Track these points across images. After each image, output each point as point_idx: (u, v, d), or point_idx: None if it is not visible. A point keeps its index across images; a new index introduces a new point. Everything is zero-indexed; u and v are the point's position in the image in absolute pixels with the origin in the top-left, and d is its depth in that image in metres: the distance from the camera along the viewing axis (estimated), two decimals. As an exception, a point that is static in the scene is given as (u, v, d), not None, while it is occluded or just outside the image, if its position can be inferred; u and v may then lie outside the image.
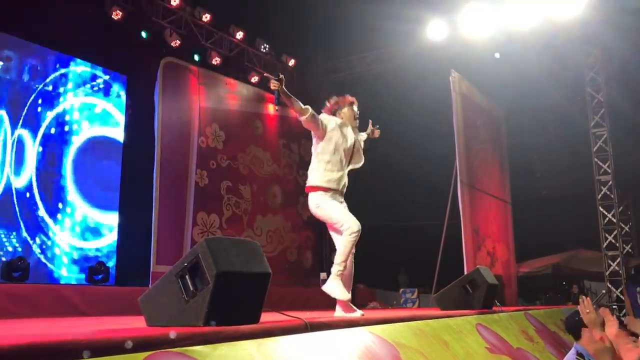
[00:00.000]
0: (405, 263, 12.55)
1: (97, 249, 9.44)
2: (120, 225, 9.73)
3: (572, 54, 11.40)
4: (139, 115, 9.95)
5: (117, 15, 9.32)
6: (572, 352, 4.33)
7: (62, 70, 9.28)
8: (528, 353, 5.19)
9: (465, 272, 8.27)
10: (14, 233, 8.37)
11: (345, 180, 4.52)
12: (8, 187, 8.39)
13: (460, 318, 4.77)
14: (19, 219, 8.49)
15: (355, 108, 4.64)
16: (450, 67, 9.94)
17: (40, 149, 8.90)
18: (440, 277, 10.12)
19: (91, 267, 8.65)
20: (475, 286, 5.65)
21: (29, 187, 8.67)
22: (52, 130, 9.06)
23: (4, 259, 7.95)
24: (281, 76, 4.21)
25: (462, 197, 9.21)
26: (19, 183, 8.53)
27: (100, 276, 8.46)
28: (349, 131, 4.54)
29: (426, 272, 10.98)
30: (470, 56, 11.10)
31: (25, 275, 7.52)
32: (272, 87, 4.22)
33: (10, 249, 8.26)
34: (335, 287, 4.30)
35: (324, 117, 4.49)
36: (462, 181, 9.27)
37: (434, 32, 11.41)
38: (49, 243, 8.79)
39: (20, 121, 8.62)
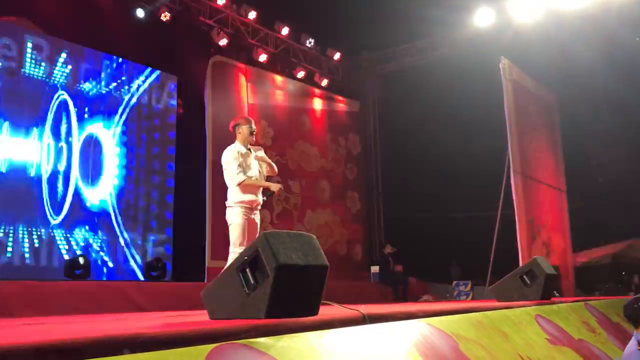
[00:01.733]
0: (458, 255, 12.37)
1: (154, 246, 9.68)
2: (175, 223, 9.96)
3: (626, 35, 10.96)
4: (190, 114, 10.14)
5: (165, 16, 9.52)
6: (632, 342, 4.19)
7: (115, 73, 9.54)
8: (590, 344, 5.05)
9: (521, 264, 8.11)
10: (75, 230, 8.68)
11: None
12: (74, 188, 8.71)
13: (519, 309, 4.68)
14: (83, 218, 8.81)
15: (252, 125, 5.11)
16: (499, 54, 9.73)
17: (107, 149, 9.21)
18: (494, 269, 9.95)
19: (148, 263, 8.89)
20: (534, 277, 5.54)
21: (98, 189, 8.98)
22: (109, 131, 9.34)
23: (66, 256, 8.27)
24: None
25: (515, 187, 9.02)
26: (87, 183, 8.84)
27: (157, 272, 8.68)
28: (251, 158, 5.06)
29: (479, 264, 10.80)
30: (519, 42, 10.83)
31: (86, 273, 7.79)
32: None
33: (71, 247, 8.57)
34: None
35: (233, 156, 4.97)
36: (515, 170, 9.07)
37: (481, 18, 11.18)
38: (108, 241, 9.07)
39: (79, 123, 8.93)
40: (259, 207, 5.06)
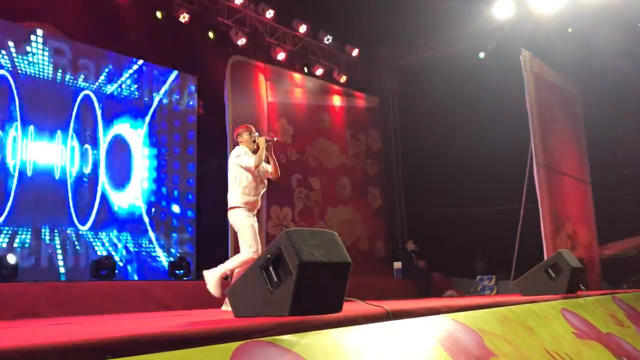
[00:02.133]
0: (481, 250, 12.26)
1: (177, 245, 9.78)
2: (197, 222, 10.05)
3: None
4: (210, 114, 10.22)
5: (184, 18, 9.58)
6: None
7: (135, 74, 9.64)
8: (619, 338, 4.98)
9: (545, 257, 8.02)
10: (100, 231, 8.80)
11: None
12: (99, 189, 8.84)
13: (545, 303, 4.63)
14: (108, 219, 8.93)
15: (253, 132, 5.31)
16: (520, 46, 9.61)
17: (131, 151, 9.32)
18: (519, 263, 9.84)
19: (173, 262, 8.97)
20: (559, 270, 5.47)
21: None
22: (132, 132, 9.45)
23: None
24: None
25: (538, 180, 8.91)
26: (112, 184, 8.96)
27: (181, 271, 8.76)
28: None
29: (503, 259, 10.70)
30: (540, 33, 10.68)
31: (112, 273, 7.90)
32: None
33: (97, 247, 8.70)
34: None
35: (243, 150, 5.18)
36: (538, 163, 8.96)
37: (501, 10, 11.05)
38: (133, 241, 9.19)
39: (102, 126, 9.05)
40: (257, 209, 5.23)
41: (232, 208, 5.11)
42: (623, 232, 13.01)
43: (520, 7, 10.89)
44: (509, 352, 3.48)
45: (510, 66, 9.75)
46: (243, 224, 5.03)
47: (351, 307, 3.12)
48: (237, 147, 5.27)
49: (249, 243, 4.97)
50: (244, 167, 5.10)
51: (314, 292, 2.75)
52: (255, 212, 5.22)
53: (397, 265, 11.45)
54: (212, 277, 5.02)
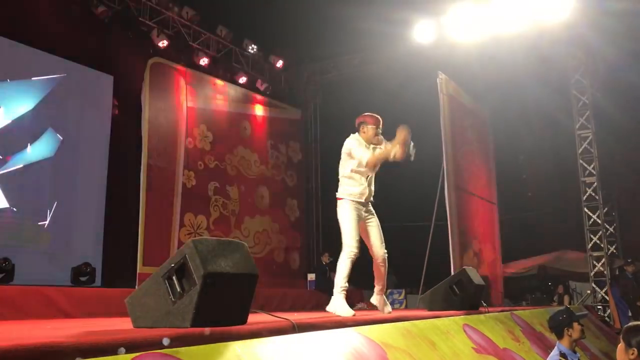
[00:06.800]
0: (393, 264, 12.52)
1: (84, 250, 9.36)
2: (107, 227, 9.66)
3: (558, 57, 11.51)
4: (126, 116, 9.89)
5: (103, 15, 9.26)
6: (555, 352, 4.38)
7: (49, 69, 9.20)
8: (514, 353, 5.22)
9: (452, 273, 8.29)
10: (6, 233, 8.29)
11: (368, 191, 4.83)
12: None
13: (447, 319, 4.79)
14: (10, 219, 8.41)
15: (380, 129, 4.92)
16: (437, 69, 9.97)
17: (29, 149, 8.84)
18: (427, 278, 10.11)
19: (76, 268, 8.56)
20: (462, 287, 5.67)
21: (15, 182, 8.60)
22: (41, 129, 8.99)
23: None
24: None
25: (448, 199, 9.24)
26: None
27: (85, 277, 8.38)
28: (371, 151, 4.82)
29: (413, 274, 10.97)
30: (456, 58, 11.14)
31: (10, 277, 7.45)
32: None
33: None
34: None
35: (358, 143, 4.78)
36: (449, 182, 9.30)
37: (421, 34, 11.45)
38: (34, 243, 8.71)
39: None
40: (371, 201, 4.83)
41: (338, 198, 4.73)
42: (524, 251, 13.73)
43: (439, 32, 11.33)
44: (410, 366, 3.56)
45: (427, 87, 10.07)
46: (341, 215, 4.67)
47: (257, 320, 3.09)
48: (351, 137, 4.75)
49: (343, 238, 4.70)
50: (353, 156, 4.64)
51: (218, 303, 2.70)
52: (370, 206, 4.83)
53: (311, 277, 11.50)
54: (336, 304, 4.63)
